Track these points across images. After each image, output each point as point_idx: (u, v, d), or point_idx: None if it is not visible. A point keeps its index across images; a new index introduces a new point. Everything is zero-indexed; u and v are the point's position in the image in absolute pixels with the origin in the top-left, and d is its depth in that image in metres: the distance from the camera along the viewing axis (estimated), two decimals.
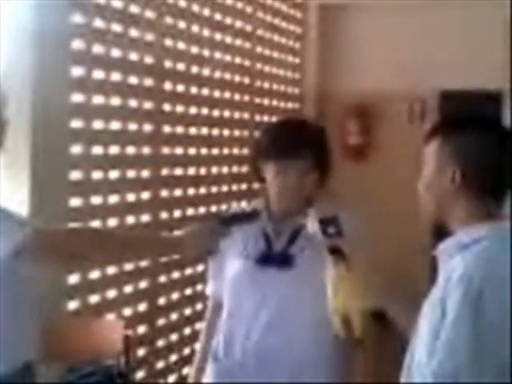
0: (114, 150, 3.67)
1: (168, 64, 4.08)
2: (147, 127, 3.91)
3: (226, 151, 4.74)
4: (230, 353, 2.72)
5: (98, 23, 3.55)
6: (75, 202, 3.43)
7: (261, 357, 2.67)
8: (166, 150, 4.07)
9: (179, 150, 4.21)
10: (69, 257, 2.31)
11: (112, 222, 3.66)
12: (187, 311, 4.34)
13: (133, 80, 3.80)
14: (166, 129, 4.09)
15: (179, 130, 4.21)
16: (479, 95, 5.46)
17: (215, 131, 4.62)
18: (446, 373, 1.72)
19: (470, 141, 1.93)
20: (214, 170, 4.60)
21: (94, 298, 3.59)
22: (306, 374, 2.68)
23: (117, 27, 3.67)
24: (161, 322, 4.10)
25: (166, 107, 4.09)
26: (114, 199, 3.67)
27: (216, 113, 4.63)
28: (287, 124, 2.89)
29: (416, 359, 1.86)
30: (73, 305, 3.48)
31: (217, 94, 4.63)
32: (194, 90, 4.36)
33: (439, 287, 1.84)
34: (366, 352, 2.67)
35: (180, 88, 4.21)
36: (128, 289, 3.81)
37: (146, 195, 3.91)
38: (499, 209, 1.96)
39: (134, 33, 3.79)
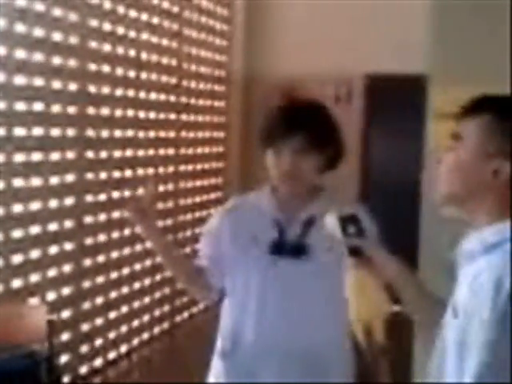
0: (37, 131, 3.60)
1: (93, 44, 4.01)
2: (71, 109, 3.84)
3: (151, 134, 4.70)
4: (239, 346, 2.63)
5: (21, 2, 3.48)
6: None
7: (273, 352, 2.59)
8: (90, 132, 4.01)
9: (104, 133, 4.15)
10: None
11: (35, 206, 3.60)
12: (112, 295, 4.30)
13: (56, 60, 3.73)
14: (91, 110, 4.02)
15: (104, 111, 4.15)
16: (404, 79, 5.51)
17: (141, 114, 4.56)
18: (492, 372, 1.57)
19: None
20: (141, 152, 4.56)
21: (16, 283, 3.53)
22: (320, 370, 2.61)
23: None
24: (85, 306, 4.06)
25: (91, 89, 4.02)
26: (36, 182, 3.61)
27: (142, 94, 4.58)
28: (282, 107, 2.77)
29: (448, 363, 1.71)
30: None
31: (144, 75, 4.58)
32: (119, 71, 4.30)
33: (463, 292, 1.68)
34: (388, 361, 2.61)
35: (105, 69, 4.15)
36: (52, 273, 3.76)
37: (70, 178, 3.85)
38: None
39: (57, 12, 3.72)
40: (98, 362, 4.22)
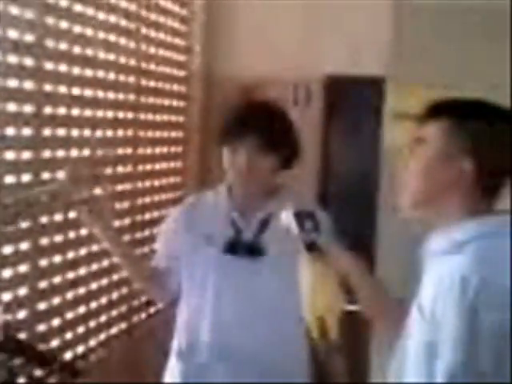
0: None
1: (50, 43, 3.97)
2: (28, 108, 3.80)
3: (109, 134, 4.66)
4: (194, 346, 2.60)
5: None
6: None
7: (229, 352, 2.56)
8: (47, 132, 3.96)
9: (61, 132, 4.10)
10: None
11: None
12: (69, 295, 4.26)
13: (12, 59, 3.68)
14: (48, 110, 3.98)
15: (61, 111, 4.10)
16: (363, 80, 5.54)
17: (99, 113, 4.53)
18: (458, 373, 1.59)
19: (485, 129, 1.74)
20: (99, 152, 4.52)
21: None
22: (276, 370, 2.59)
23: None
24: (41, 306, 4.01)
25: (47, 88, 3.98)
26: None
27: (100, 94, 4.54)
28: (239, 107, 2.77)
29: (409, 364, 1.72)
30: None
31: (101, 74, 4.55)
32: (76, 70, 4.26)
33: (429, 291, 1.71)
34: (341, 355, 2.61)
35: (62, 68, 4.11)
36: (7, 273, 3.71)
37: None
38: (492, 204, 1.81)
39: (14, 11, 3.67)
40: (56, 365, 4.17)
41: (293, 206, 2.23)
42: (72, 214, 4.12)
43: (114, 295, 4.76)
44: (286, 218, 2.21)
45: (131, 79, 4.96)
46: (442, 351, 1.62)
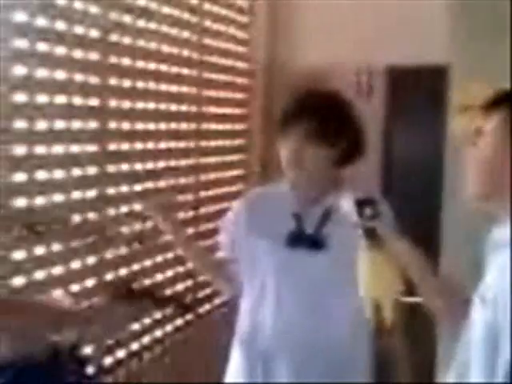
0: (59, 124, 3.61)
1: (114, 38, 4.01)
2: (93, 101, 3.84)
3: (173, 126, 4.70)
4: (256, 337, 2.62)
5: None
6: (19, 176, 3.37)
7: (290, 341, 2.58)
8: (112, 125, 4.01)
9: (126, 125, 4.15)
10: None
11: (58, 198, 3.60)
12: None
13: (78, 54, 3.73)
14: (112, 103, 4.02)
15: (126, 104, 4.14)
16: (426, 71, 5.48)
17: (162, 106, 4.56)
18: None
19: None
20: (163, 145, 4.56)
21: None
22: (341, 361, 2.58)
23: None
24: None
25: (112, 81, 4.02)
26: (59, 174, 3.61)
27: (163, 87, 4.58)
28: (297, 95, 2.70)
29: (474, 357, 1.70)
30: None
31: (164, 68, 4.58)
32: (140, 64, 4.29)
33: (492, 283, 1.69)
34: (398, 342, 2.60)
35: (126, 62, 4.15)
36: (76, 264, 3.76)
37: (92, 170, 3.85)
38: None
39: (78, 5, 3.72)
40: (122, 354, 4.23)
41: (353, 193, 2.22)
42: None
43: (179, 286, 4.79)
44: (346, 204, 2.21)
45: (193, 72, 4.98)
46: (503, 342, 1.59)
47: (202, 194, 5.14)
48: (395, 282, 2.03)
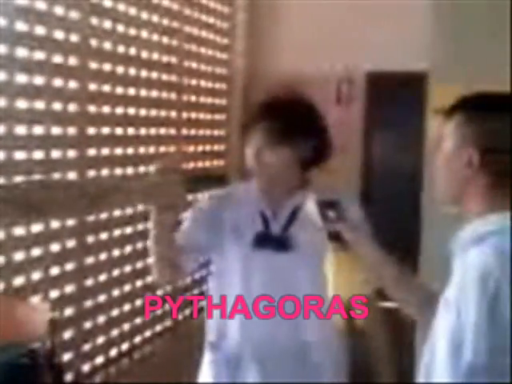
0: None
1: (94, 43, 4.01)
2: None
3: (152, 131, 4.69)
4: (224, 339, 2.60)
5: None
6: None
7: (258, 342, 2.56)
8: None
9: (105, 130, 4.13)
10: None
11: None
12: (115, 292, 4.29)
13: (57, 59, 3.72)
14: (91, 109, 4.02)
15: (105, 110, 4.14)
16: (405, 76, 5.50)
17: (142, 111, 4.56)
18: (479, 364, 1.57)
19: (492, 121, 1.75)
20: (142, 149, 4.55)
21: (18, 280, 3.53)
22: (311, 363, 2.57)
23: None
24: (88, 303, 4.05)
25: (91, 87, 4.02)
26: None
27: (143, 93, 4.57)
28: (261, 101, 2.70)
29: (437, 358, 1.69)
30: None
31: (144, 73, 4.57)
32: (120, 69, 4.29)
33: (455, 285, 1.69)
34: (372, 340, 2.59)
35: (106, 67, 4.15)
36: (54, 271, 3.75)
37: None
38: None
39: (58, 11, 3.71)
40: (100, 360, 4.22)
41: (316, 195, 2.22)
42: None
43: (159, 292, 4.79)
44: (311, 207, 2.21)
45: (173, 78, 4.98)
46: (465, 343, 1.60)
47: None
48: (360, 283, 2.05)
